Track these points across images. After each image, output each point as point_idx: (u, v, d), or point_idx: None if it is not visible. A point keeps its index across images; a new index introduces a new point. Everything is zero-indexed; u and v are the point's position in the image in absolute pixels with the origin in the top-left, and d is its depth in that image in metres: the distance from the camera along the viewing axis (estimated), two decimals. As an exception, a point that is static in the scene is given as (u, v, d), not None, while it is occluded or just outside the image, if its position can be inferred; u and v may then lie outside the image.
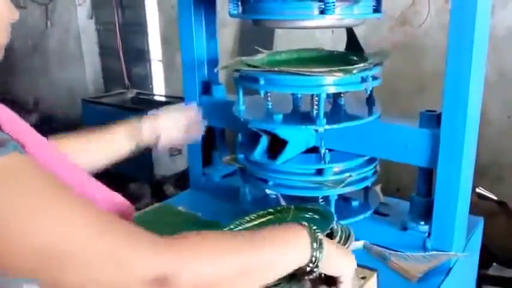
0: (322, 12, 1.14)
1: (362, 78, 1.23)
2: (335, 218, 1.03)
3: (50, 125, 5.00)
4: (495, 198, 2.06)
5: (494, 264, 1.92)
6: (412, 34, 2.54)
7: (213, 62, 1.57)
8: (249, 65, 1.27)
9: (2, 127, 0.62)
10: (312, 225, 0.75)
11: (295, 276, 0.84)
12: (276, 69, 1.21)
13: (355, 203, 1.36)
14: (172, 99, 3.73)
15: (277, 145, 1.27)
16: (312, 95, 1.23)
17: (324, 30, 2.60)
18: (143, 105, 3.81)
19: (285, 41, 2.73)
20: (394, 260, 1.17)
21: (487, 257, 1.72)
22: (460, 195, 1.15)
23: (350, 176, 1.29)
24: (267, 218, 1.19)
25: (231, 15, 1.29)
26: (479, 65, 1.11)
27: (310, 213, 1.13)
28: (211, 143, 1.62)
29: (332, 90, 1.22)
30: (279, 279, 0.79)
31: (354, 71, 1.18)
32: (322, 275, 0.81)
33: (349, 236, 1.01)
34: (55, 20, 4.93)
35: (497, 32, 2.25)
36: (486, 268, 1.89)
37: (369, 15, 1.24)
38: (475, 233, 1.35)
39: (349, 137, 1.30)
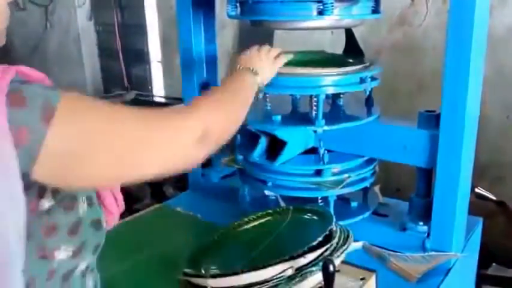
0: (321, 13, 1.15)
1: (361, 78, 1.23)
2: (334, 219, 1.03)
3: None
4: (494, 198, 2.06)
5: (494, 264, 1.92)
6: (411, 34, 2.53)
7: (212, 63, 1.57)
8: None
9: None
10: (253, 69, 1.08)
11: (294, 276, 0.85)
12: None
13: (354, 204, 1.36)
14: (172, 101, 3.72)
15: (276, 146, 1.27)
16: (311, 96, 1.23)
17: (323, 31, 2.59)
18: (143, 106, 3.81)
19: (284, 42, 2.73)
20: (393, 261, 1.17)
21: (486, 257, 1.71)
22: (459, 195, 1.15)
23: (349, 176, 1.29)
24: (266, 219, 1.19)
25: (230, 16, 1.29)
26: (477, 65, 1.11)
27: (309, 214, 1.14)
28: (210, 144, 1.62)
29: (331, 91, 1.22)
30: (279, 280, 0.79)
31: (352, 72, 1.18)
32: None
33: (348, 236, 1.01)
34: (54, 22, 4.93)
35: (497, 32, 2.25)
36: (485, 268, 1.89)
37: (367, 16, 1.24)
38: (474, 233, 1.35)
39: (348, 138, 1.30)
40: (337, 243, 0.97)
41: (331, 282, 0.84)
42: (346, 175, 1.29)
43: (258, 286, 0.90)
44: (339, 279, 0.92)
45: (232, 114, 0.92)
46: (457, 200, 1.15)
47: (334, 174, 1.29)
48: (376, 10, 1.24)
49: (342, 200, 1.35)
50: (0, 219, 0.58)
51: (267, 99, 1.34)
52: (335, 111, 1.36)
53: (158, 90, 4.49)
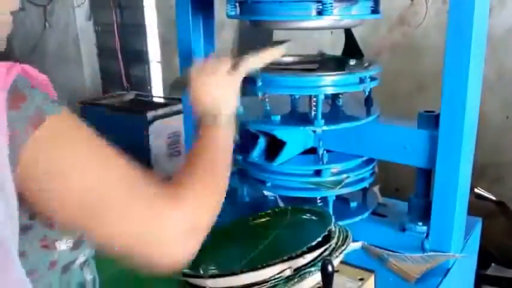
0: (320, 13, 1.14)
1: (360, 79, 1.23)
2: (333, 219, 1.03)
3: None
4: (494, 198, 2.06)
5: (493, 264, 1.92)
6: (410, 35, 2.53)
7: (211, 63, 1.57)
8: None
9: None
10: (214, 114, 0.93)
11: (293, 277, 0.85)
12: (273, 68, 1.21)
13: (353, 204, 1.36)
14: (171, 101, 3.72)
15: (275, 146, 1.27)
16: (310, 96, 1.23)
17: (322, 31, 2.59)
18: (142, 106, 3.80)
19: (284, 42, 2.73)
20: (392, 261, 1.17)
21: (485, 257, 1.71)
22: (459, 195, 1.15)
23: (348, 177, 1.29)
24: (264, 219, 1.19)
25: (229, 16, 1.29)
26: (477, 65, 1.11)
27: (308, 215, 1.13)
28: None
29: (330, 91, 1.22)
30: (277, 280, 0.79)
31: (351, 72, 1.18)
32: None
33: (346, 237, 1.01)
34: (53, 22, 4.92)
35: (496, 32, 2.25)
36: (485, 268, 1.89)
37: (367, 16, 1.23)
38: (474, 234, 1.34)
39: (347, 138, 1.29)
40: (336, 244, 0.97)
41: (329, 283, 0.84)
42: (345, 175, 1.29)
43: (257, 286, 0.90)
44: (337, 280, 0.93)
45: (219, 197, 0.83)
46: (457, 200, 1.15)
47: (333, 174, 1.29)
48: (375, 10, 1.24)
49: (341, 200, 1.35)
50: None
51: (266, 99, 1.33)
52: (334, 111, 1.36)
53: (157, 91, 4.49)
